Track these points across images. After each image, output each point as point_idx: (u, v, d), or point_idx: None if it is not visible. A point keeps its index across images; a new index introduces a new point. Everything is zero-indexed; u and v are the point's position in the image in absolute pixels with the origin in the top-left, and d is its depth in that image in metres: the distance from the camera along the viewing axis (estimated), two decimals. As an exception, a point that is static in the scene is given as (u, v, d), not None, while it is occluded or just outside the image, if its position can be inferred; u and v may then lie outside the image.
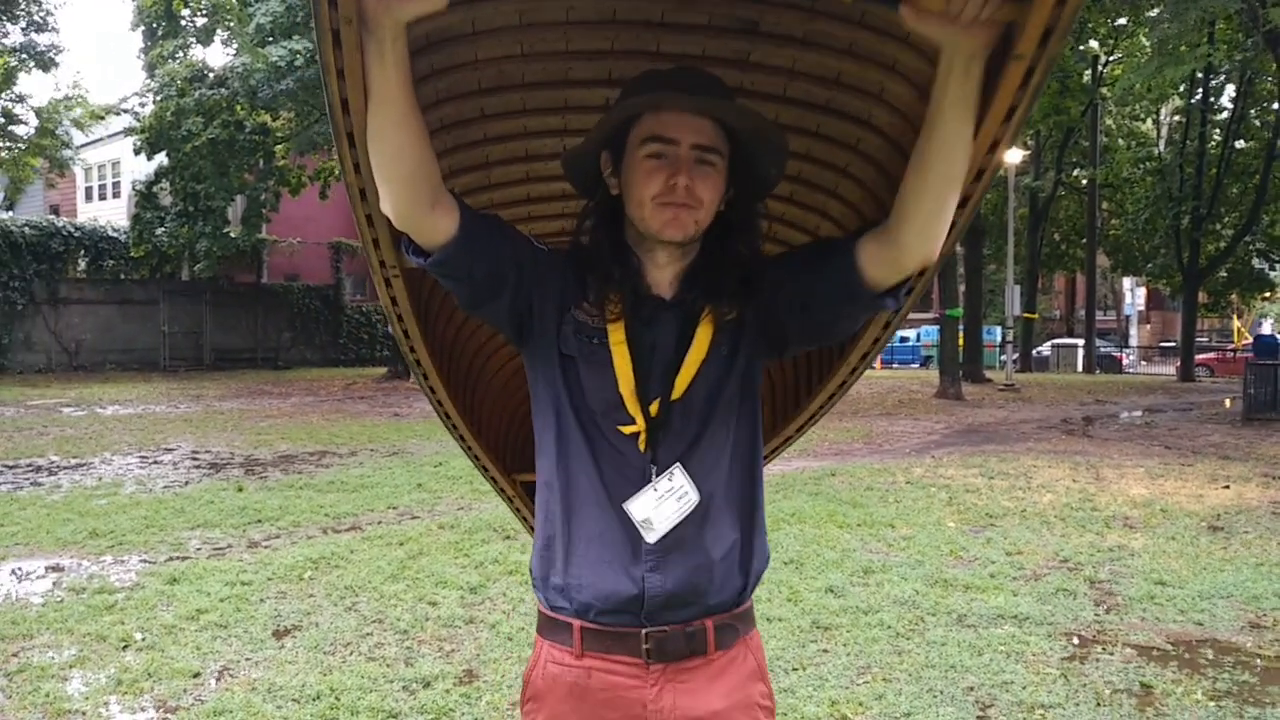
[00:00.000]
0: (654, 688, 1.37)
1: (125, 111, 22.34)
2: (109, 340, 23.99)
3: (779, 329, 1.43)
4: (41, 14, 22.80)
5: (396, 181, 1.25)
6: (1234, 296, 30.68)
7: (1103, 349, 34.06)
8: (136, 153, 20.75)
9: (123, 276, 25.09)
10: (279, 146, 20.81)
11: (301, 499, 7.48)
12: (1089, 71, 26.04)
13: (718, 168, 1.36)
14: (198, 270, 23.08)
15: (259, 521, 6.67)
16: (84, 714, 3.44)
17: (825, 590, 4.91)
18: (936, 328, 23.32)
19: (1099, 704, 3.57)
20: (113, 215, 29.51)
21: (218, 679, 3.77)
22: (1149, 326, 45.60)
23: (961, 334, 20.18)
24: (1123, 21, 23.58)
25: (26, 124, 24.14)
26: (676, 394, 1.38)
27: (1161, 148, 28.76)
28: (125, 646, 4.10)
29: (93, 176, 33.13)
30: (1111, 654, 4.10)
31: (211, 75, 19.72)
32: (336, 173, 21.20)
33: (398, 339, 1.71)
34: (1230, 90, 24.99)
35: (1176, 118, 28.88)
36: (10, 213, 26.28)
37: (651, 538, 1.35)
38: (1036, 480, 8.60)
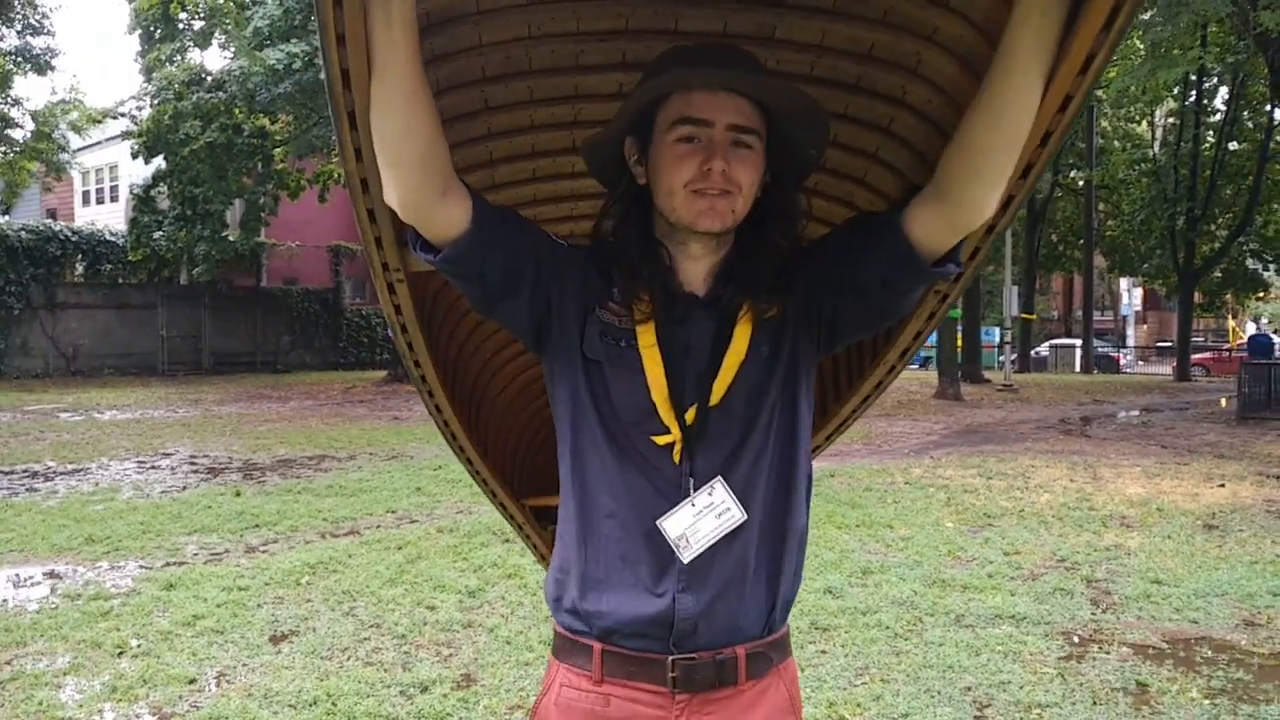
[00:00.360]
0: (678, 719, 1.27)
1: (123, 115, 22.30)
2: (107, 345, 23.88)
3: (827, 321, 1.31)
4: (37, 17, 22.70)
5: (404, 165, 1.13)
6: (1229, 296, 30.81)
7: (1100, 349, 34.17)
8: (134, 156, 20.75)
9: (120, 281, 25.00)
10: (277, 150, 20.79)
11: (299, 503, 7.47)
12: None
13: (755, 150, 1.24)
14: (196, 274, 23.01)
15: (256, 526, 6.66)
16: (81, 720, 3.42)
17: (824, 591, 4.91)
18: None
19: (1095, 703, 3.58)
20: (110, 219, 29.40)
21: (214, 685, 3.77)
22: (1146, 326, 45.76)
23: (960, 335, 20.24)
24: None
25: (22, 127, 24.06)
26: (714, 400, 1.26)
27: (1156, 149, 28.80)
28: (120, 653, 4.09)
29: (90, 180, 33.01)
30: (1108, 653, 4.12)
31: (209, 79, 19.72)
32: (335, 176, 21.23)
33: (401, 352, 1.61)
34: (1223, 93, 25.09)
35: (1171, 120, 28.94)
36: (7, 217, 26.19)
37: (687, 556, 1.24)
38: (1034, 480, 8.62)
